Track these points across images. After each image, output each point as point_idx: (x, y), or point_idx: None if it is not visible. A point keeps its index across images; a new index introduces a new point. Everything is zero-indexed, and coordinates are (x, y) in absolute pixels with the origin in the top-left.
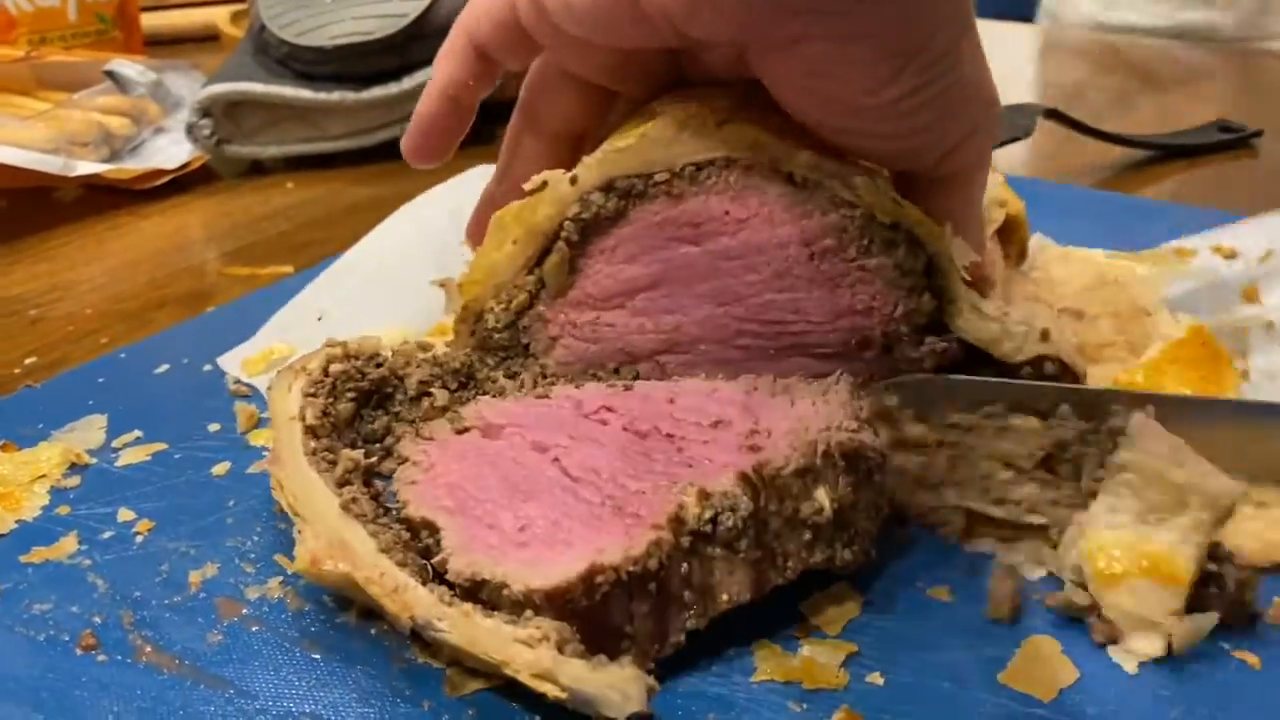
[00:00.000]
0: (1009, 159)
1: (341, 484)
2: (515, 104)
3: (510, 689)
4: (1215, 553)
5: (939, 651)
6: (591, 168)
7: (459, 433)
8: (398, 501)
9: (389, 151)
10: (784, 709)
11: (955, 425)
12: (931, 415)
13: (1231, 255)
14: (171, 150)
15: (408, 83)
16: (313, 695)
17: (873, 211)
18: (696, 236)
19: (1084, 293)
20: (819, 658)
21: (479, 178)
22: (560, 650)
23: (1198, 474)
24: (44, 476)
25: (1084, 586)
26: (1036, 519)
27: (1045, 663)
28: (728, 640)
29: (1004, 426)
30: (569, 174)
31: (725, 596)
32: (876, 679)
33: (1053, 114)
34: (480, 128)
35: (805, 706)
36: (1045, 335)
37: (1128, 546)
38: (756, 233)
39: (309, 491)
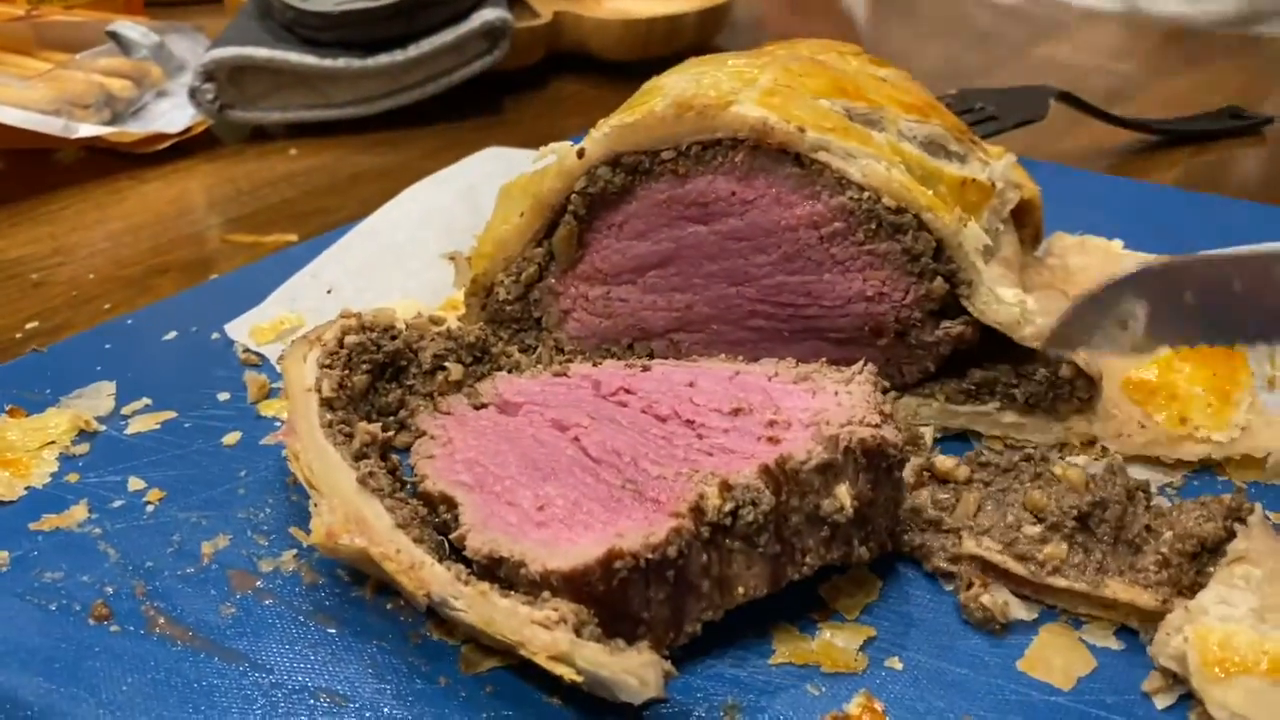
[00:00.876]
0: (1021, 140)
1: (358, 457)
2: (522, 76)
3: (526, 667)
4: None
5: (957, 637)
6: (598, 141)
7: (476, 408)
8: (414, 475)
9: (393, 119)
10: (802, 692)
11: (990, 464)
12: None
13: None
14: (173, 114)
15: (413, 50)
16: (327, 670)
17: (880, 195)
18: (704, 216)
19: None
20: (838, 641)
21: (491, 158)
22: (578, 633)
23: None
24: (53, 443)
25: (1175, 675)
26: (1059, 582)
27: (1063, 651)
28: (746, 622)
29: (1044, 473)
30: (576, 147)
31: (742, 590)
32: (895, 664)
33: (1065, 97)
34: (488, 99)
35: (824, 689)
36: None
37: (1247, 643)
38: (765, 214)
39: (325, 464)
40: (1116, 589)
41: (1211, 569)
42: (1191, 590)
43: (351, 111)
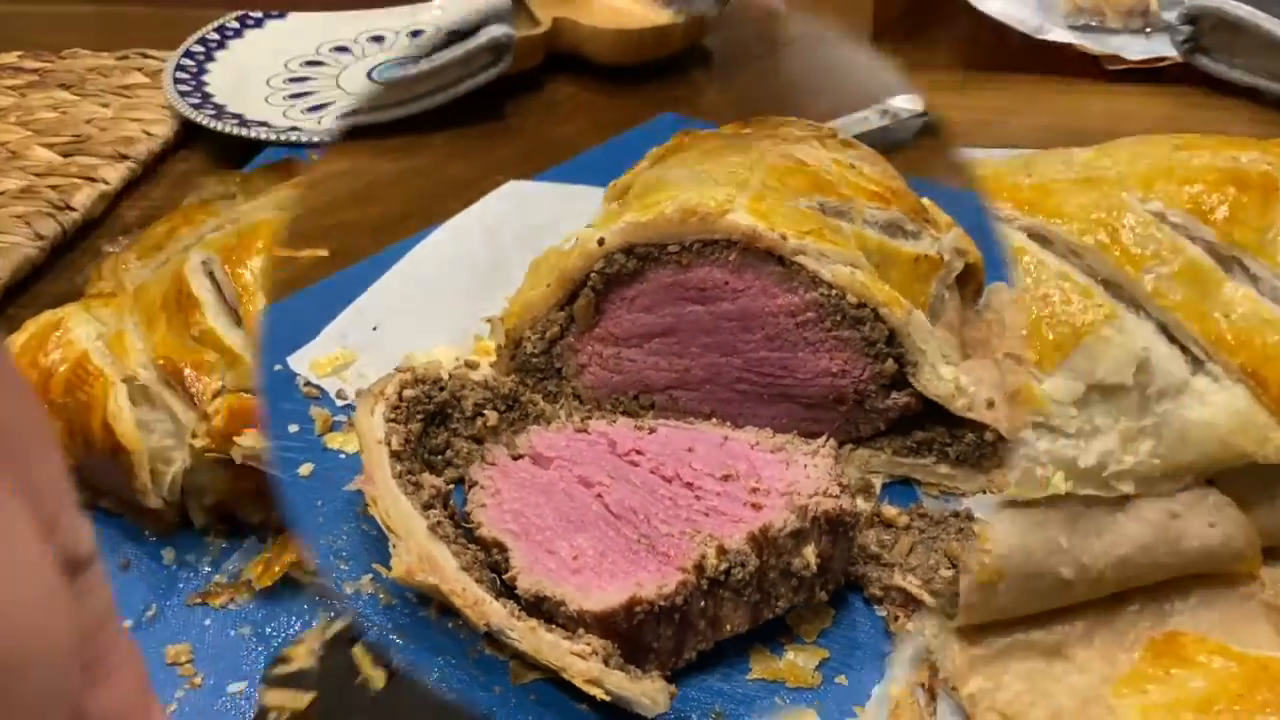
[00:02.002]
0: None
1: (427, 506)
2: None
3: (562, 680)
4: None
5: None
6: (616, 234)
7: (515, 459)
8: (470, 521)
9: (402, 126)
10: (771, 703)
11: (927, 515)
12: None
13: None
14: None
15: (425, 65)
16: None
17: (845, 292)
18: (702, 299)
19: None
20: (799, 661)
21: (508, 195)
22: (605, 663)
23: None
24: None
25: None
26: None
27: None
28: (729, 645)
29: (966, 529)
30: (597, 235)
31: (729, 627)
32: (843, 680)
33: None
34: (491, 105)
35: (787, 701)
36: (990, 404)
37: None
38: (752, 301)
39: (399, 511)
40: None
41: None
42: None
43: (364, 119)
